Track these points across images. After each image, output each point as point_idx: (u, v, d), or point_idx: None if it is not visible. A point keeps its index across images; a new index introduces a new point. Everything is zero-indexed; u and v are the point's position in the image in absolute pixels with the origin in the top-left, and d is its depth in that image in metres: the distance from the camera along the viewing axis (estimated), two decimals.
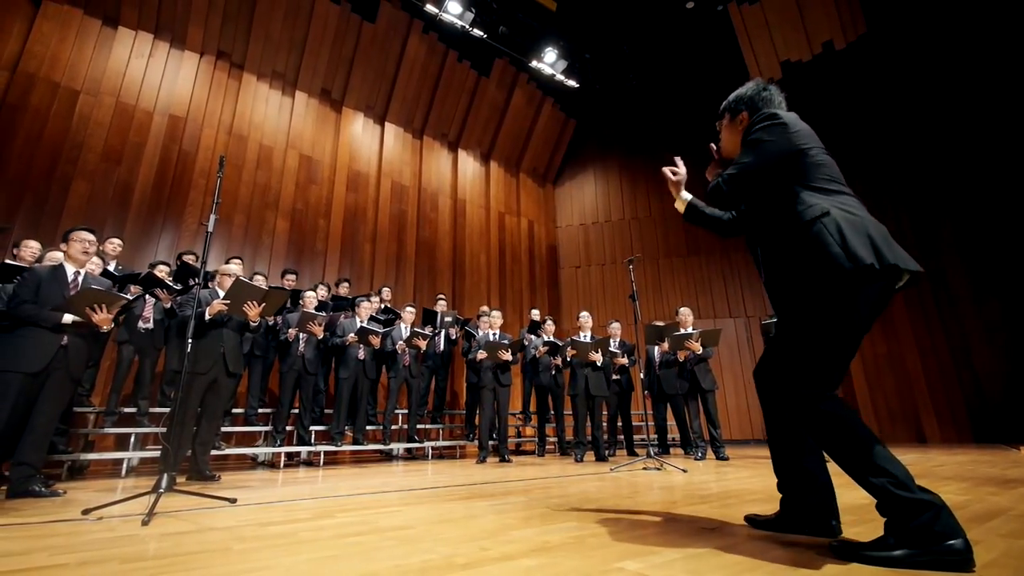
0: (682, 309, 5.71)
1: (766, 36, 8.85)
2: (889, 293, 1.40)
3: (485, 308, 6.60)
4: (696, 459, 5.05)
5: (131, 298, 3.23)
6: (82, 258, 3.15)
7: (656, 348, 6.04)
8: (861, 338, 1.42)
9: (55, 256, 3.38)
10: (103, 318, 2.97)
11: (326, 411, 5.64)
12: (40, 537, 1.77)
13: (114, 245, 4.75)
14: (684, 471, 3.86)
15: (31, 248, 3.98)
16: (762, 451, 6.36)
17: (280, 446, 4.93)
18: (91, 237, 3.19)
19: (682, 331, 5.41)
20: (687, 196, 1.84)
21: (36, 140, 5.73)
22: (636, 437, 6.58)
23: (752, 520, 1.76)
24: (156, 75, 6.73)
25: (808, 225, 1.41)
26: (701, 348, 5.21)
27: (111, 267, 4.58)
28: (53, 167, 5.76)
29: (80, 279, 3.12)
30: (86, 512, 2.16)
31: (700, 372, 5.24)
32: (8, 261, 3.67)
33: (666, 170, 1.84)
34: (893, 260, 1.33)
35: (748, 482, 3.10)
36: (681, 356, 5.40)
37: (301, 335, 4.98)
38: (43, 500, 2.69)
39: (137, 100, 6.51)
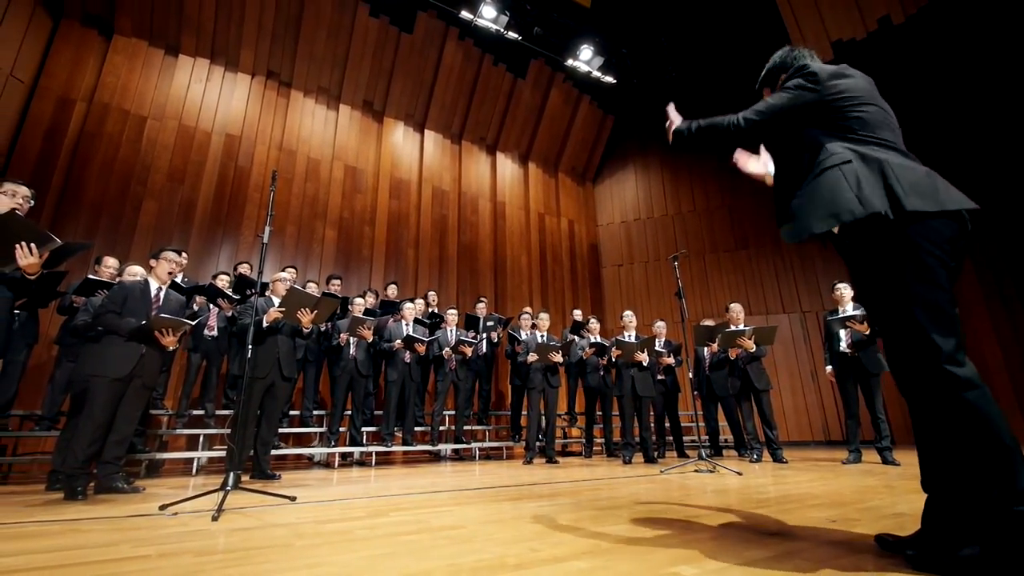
0: (732, 305, 5.48)
1: (815, 15, 8.39)
2: (959, 244, 1.29)
3: (528, 309, 6.60)
4: (751, 461, 4.85)
5: (193, 324, 3.50)
6: (166, 277, 3.42)
7: (705, 348, 5.85)
8: (943, 282, 1.26)
9: (133, 270, 3.66)
10: (169, 340, 3.22)
11: (376, 412, 5.82)
12: (124, 530, 1.92)
13: (181, 260, 5.09)
14: (739, 474, 3.71)
15: (110, 267, 4.33)
16: (823, 453, 6.02)
17: (334, 446, 5.13)
18: (178, 259, 3.46)
19: (732, 328, 5.20)
20: (673, 127, 1.74)
21: (111, 164, 6.23)
22: (686, 439, 6.39)
23: (883, 541, 1.44)
24: (213, 97, 7.17)
25: (833, 167, 1.38)
26: (755, 346, 4.99)
27: (178, 279, 4.91)
28: (125, 188, 6.25)
29: (162, 294, 3.38)
30: (163, 507, 2.32)
31: (753, 371, 5.01)
32: (91, 276, 4.01)
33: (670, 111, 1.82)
34: (915, 207, 1.24)
35: (809, 486, 2.94)
36: (732, 354, 5.19)
37: (352, 339, 5.16)
38: (125, 495, 2.93)
39: (197, 122, 6.96)
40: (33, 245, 2.50)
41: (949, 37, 7.90)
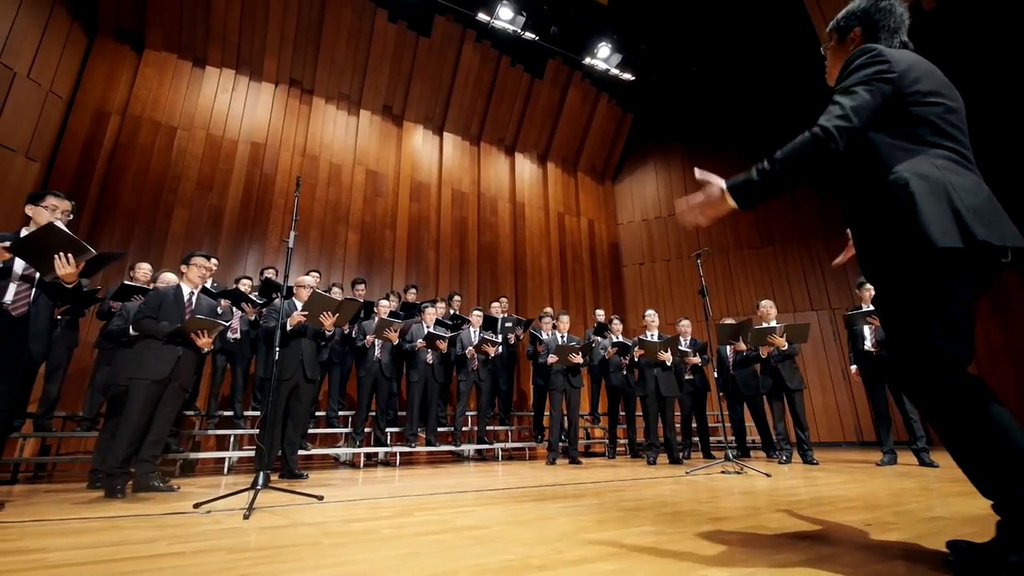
0: (763, 302, 5.34)
1: (839, 2, 8.16)
2: (992, 268, 1.23)
3: (548, 309, 6.58)
4: (780, 463, 4.74)
5: (227, 324, 3.57)
6: (198, 281, 3.52)
7: (729, 348, 5.73)
8: (966, 298, 1.21)
9: (166, 277, 3.80)
10: (205, 342, 3.32)
11: (399, 413, 5.89)
12: (161, 527, 1.99)
13: (211, 264, 5.23)
14: (767, 475, 3.63)
15: (143, 270, 4.51)
16: (856, 454, 5.84)
17: (359, 447, 5.21)
18: (207, 263, 3.57)
19: (764, 325, 5.08)
20: (723, 184, 1.37)
21: (144, 174, 6.46)
22: (712, 439, 6.28)
23: (957, 548, 1.28)
24: (239, 107, 7.37)
25: (891, 191, 1.24)
26: (786, 344, 4.86)
27: (208, 284, 5.05)
28: (158, 197, 6.47)
29: (194, 298, 3.49)
30: (196, 506, 2.40)
31: (786, 370, 4.88)
32: (126, 282, 4.18)
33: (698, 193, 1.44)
34: (984, 237, 1.15)
35: (841, 488, 2.86)
36: (764, 352, 5.07)
37: (377, 341, 5.24)
38: (161, 493, 3.03)
39: (224, 131, 7.16)
40: (70, 255, 2.61)
41: (983, 23, 7.58)
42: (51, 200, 2.81)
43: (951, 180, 1.22)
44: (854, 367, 4.72)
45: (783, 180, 1.30)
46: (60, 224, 2.66)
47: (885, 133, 1.30)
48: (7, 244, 2.52)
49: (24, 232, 2.66)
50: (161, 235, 6.36)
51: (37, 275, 2.67)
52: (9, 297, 2.59)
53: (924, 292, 1.22)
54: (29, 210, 2.78)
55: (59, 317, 4.16)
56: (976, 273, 1.23)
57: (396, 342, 5.24)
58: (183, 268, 3.54)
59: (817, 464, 4.53)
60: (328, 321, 3.87)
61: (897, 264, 1.26)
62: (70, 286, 2.72)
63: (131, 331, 3.42)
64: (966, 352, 1.21)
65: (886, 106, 1.30)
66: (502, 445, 6.18)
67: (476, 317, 5.93)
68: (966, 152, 1.29)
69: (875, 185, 1.29)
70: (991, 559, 1.14)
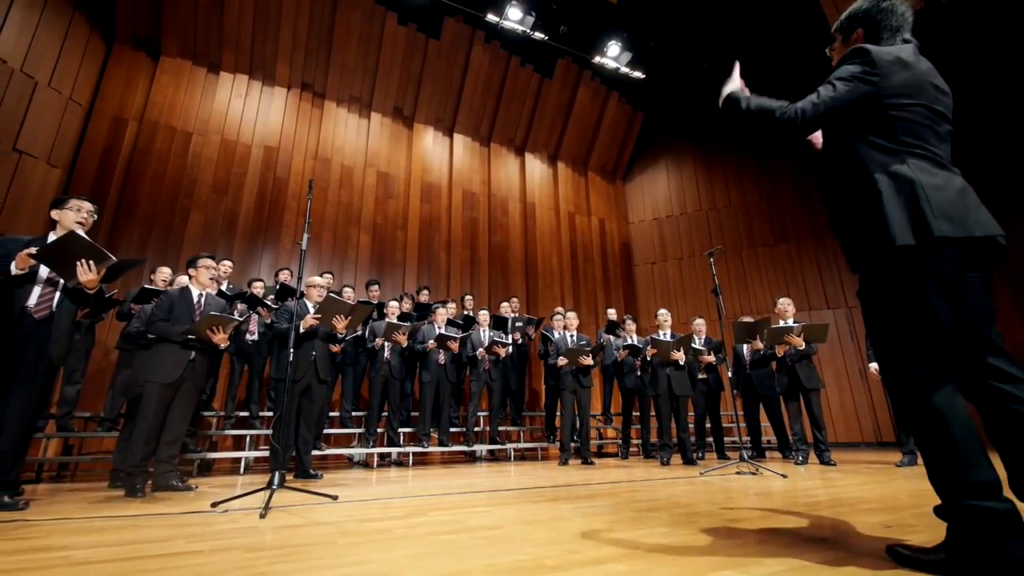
0: (781, 300, 5.26)
1: None
2: (972, 259, 1.28)
3: (560, 309, 6.57)
4: (796, 464, 4.67)
5: (242, 319, 3.61)
6: (208, 283, 3.58)
7: (745, 347, 5.67)
8: (946, 311, 1.26)
9: (181, 281, 3.87)
10: (221, 338, 3.36)
11: (412, 413, 5.92)
12: (179, 526, 2.02)
13: (226, 267, 5.31)
14: (783, 476, 3.58)
15: (163, 273, 4.59)
16: (874, 455, 5.74)
17: (372, 447, 5.24)
18: (214, 264, 3.63)
19: (781, 323, 5.01)
20: (728, 88, 1.55)
21: (160, 179, 6.58)
22: (727, 440, 6.21)
23: (896, 552, 1.31)
24: (252, 111, 7.47)
25: (865, 187, 1.33)
26: (804, 344, 4.79)
27: (223, 287, 5.13)
28: (174, 202, 6.58)
29: (203, 300, 3.55)
30: (214, 505, 2.44)
31: (803, 369, 4.81)
32: (146, 286, 4.26)
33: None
34: (941, 233, 1.21)
35: (859, 489, 2.81)
36: (780, 351, 5.00)
37: (387, 343, 5.27)
38: (179, 493, 3.08)
39: (238, 135, 7.27)
40: (92, 262, 2.67)
41: (1000, 16, 7.40)
42: (74, 202, 2.88)
43: (920, 178, 1.28)
44: (873, 364, 4.64)
45: (746, 119, 1.46)
46: (82, 232, 2.73)
47: (865, 132, 1.38)
48: (33, 251, 2.58)
49: (51, 237, 2.73)
50: (178, 238, 6.47)
51: (61, 279, 2.74)
52: (33, 300, 2.66)
53: (888, 285, 1.31)
54: (55, 214, 2.85)
55: (80, 320, 4.26)
56: (959, 267, 1.26)
57: (405, 344, 5.26)
58: (191, 271, 3.60)
59: (834, 465, 4.46)
60: (341, 324, 3.90)
61: (868, 256, 1.35)
62: (92, 292, 2.79)
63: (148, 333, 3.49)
64: (937, 361, 1.27)
65: (865, 105, 1.37)
66: (514, 445, 6.18)
67: (483, 317, 5.94)
68: (941, 154, 1.35)
69: (851, 180, 1.38)
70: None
